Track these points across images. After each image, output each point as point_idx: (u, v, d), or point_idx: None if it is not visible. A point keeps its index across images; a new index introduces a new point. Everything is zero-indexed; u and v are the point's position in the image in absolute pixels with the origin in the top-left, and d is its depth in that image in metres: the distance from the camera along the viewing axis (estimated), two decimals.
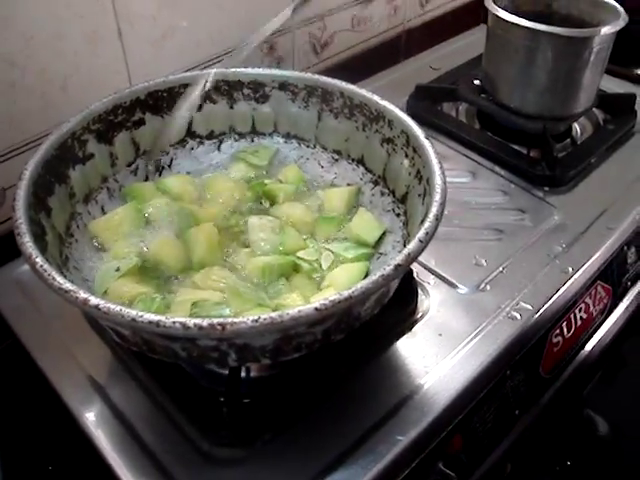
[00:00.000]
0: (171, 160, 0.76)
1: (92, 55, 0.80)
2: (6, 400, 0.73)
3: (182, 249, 0.65)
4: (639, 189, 0.89)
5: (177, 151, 0.76)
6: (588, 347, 0.83)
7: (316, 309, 0.46)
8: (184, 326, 0.45)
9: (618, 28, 0.85)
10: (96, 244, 0.66)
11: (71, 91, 0.80)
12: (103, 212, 0.69)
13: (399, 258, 0.51)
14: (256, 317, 0.45)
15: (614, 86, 1.06)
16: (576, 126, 1.00)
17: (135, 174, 0.73)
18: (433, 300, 0.73)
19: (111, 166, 0.71)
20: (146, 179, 0.74)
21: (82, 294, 0.47)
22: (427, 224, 0.54)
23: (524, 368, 0.73)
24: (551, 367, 0.77)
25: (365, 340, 0.68)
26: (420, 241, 0.52)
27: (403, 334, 0.70)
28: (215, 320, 0.45)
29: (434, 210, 0.55)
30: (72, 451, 0.69)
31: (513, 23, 0.86)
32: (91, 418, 0.62)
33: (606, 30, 0.84)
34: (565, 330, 0.77)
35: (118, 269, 0.62)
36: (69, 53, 0.78)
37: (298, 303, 0.60)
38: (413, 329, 0.70)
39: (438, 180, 0.58)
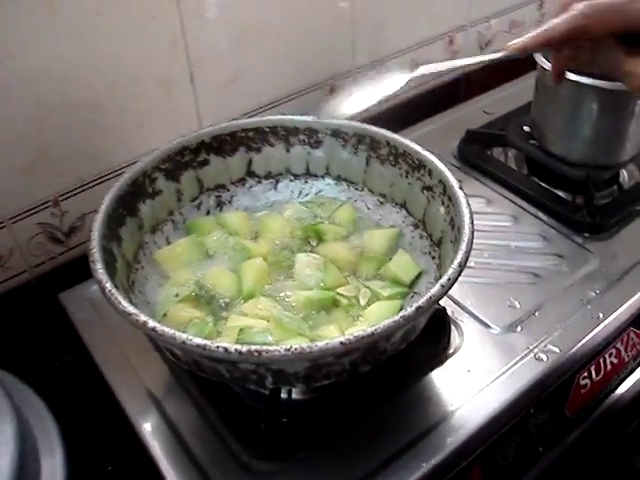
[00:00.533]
0: (231, 197, 0.83)
1: (167, 98, 0.90)
2: (74, 404, 0.81)
3: (234, 279, 0.72)
4: None
5: (237, 189, 0.84)
6: (620, 390, 0.86)
7: (341, 343, 0.53)
8: (226, 350, 0.52)
9: None
10: (159, 271, 0.74)
11: (146, 130, 0.90)
12: (168, 242, 0.77)
13: (421, 301, 0.56)
14: (288, 347, 0.52)
15: None
16: (624, 172, 1.03)
17: (198, 208, 0.81)
18: (466, 338, 0.78)
19: (177, 201, 0.79)
20: (207, 213, 0.82)
21: (142, 317, 0.55)
22: (450, 271, 0.59)
23: (549, 407, 0.77)
24: (578, 408, 0.80)
25: (399, 371, 0.73)
26: (442, 286, 0.58)
27: (435, 368, 0.75)
28: (253, 347, 0.52)
29: (458, 258, 0.61)
30: (128, 456, 0.77)
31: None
32: (148, 429, 0.69)
33: None
34: (594, 373, 0.80)
35: (177, 295, 0.70)
36: (146, 96, 0.88)
37: (334, 335, 0.66)
38: (445, 364, 0.75)
39: (466, 230, 0.64)
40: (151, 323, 0.55)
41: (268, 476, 0.65)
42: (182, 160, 0.78)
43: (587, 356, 0.78)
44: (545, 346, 0.76)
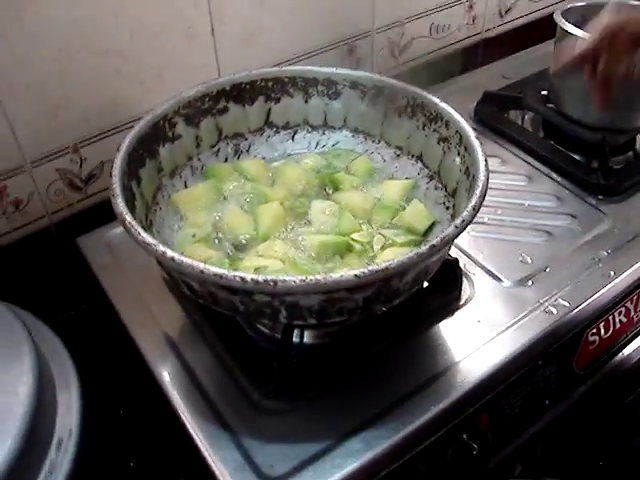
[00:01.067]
0: (249, 146, 0.84)
1: (187, 49, 0.90)
2: (91, 347, 0.83)
3: (251, 222, 0.73)
4: None
5: (255, 138, 0.85)
6: (627, 351, 0.87)
7: (355, 275, 0.54)
8: (242, 279, 0.53)
9: None
10: (177, 214, 0.75)
11: (165, 81, 0.91)
12: (185, 186, 0.79)
13: (435, 240, 0.57)
14: (303, 277, 0.53)
15: None
16: (639, 138, 1.03)
17: (217, 155, 0.82)
18: (477, 290, 0.79)
19: (196, 147, 0.80)
20: (225, 160, 0.83)
21: (161, 247, 0.57)
22: (465, 213, 0.60)
23: (557, 361, 0.78)
24: (585, 364, 0.81)
25: (410, 318, 0.75)
26: (455, 227, 0.59)
27: (445, 317, 0.76)
28: (269, 277, 0.53)
29: (473, 201, 0.61)
30: (142, 395, 0.78)
31: (577, 36, 0.90)
32: (165, 372, 0.71)
33: None
34: (602, 330, 0.81)
35: (194, 235, 0.71)
36: (167, 47, 0.88)
37: None
38: (455, 314, 0.76)
39: (481, 176, 0.64)
40: (169, 253, 0.56)
41: (277, 414, 0.66)
42: (202, 107, 0.79)
43: (597, 312, 0.79)
44: (555, 300, 0.77)
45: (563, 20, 0.93)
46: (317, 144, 0.86)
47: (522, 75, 1.15)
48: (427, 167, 0.79)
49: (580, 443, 0.89)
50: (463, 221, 0.59)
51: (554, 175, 0.95)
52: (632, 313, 0.84)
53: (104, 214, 0.90)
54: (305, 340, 0.74)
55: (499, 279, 0.80)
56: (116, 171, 0.65)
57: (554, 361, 0.78)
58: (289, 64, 1.02)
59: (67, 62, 0.81)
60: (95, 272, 0.83)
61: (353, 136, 0.85)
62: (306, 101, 0.84)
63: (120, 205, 0.61)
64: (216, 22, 0.91)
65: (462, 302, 0.77)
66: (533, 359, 0.75)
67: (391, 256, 0.70)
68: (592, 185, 0.92)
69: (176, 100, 0.76)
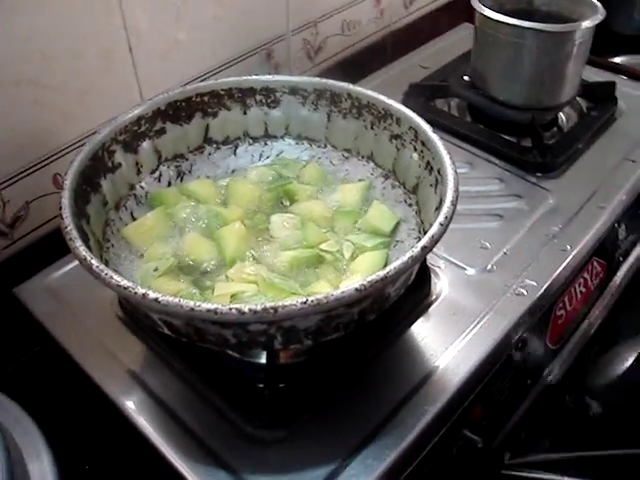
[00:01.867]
0: (191, 166, 0.80)
1: (106, 71, 0.84)
2: (48, 401, 0.76)
3: (213, 247, 0.69)
4: (625, 170, 0.95)
5: (196, 157, 0.80)
6: (589, 319, 0.89)
7: (356, 289, 0.51)
8: (239, 311, 0.50)
9: (597, 22, 0.91)
10: (131, 248, 0.70)
11: (89, 106, 0.84)
12: (133, 217, 0.73)
13: (424, 241, 0.56)
14: (304, 299, 0.50)
15: (593, 75, 1.12)
16: (562, 115, 1.06)
17: (159, 180, 0.77)
18: (444, 283, 0.78)
19: (137, 174, 0.75)
20: (169, 184, 0.78)
21: (140, 289, 0.52)
22: (445, 209, 0.59)
23: (533, 340, 0.79)
24: (557, 339, 0.83)
25: (386, 324, 0.73)
26: (441, 224, 0.58)
27: (420, 316, 0.75)
28: (268, 304, 0.50)
29: (450, 196, 0.60)
30: (119, 442, 0.73)
31: (500, 21, 0.91)
32: (132, 406, 0.66)
33: (587, 24, 0.90)
34: (567, 304, 0.83)
35: (156, 269, 0.66)
36: (85, 70, 0.82)
37: (327, 290, 0.64)
38: (429, 310, 0.75)
39: (450, 170, 0.64)
40: (152, 294, 0.51)
41: (275, 444, 0.63)
42: (139, 130, 0.74)
43: (562, 287, 0.80)
44: (522, 281, 0.78)
45: (481, 5, 0.94)
46: (261, 156, 0.83)
47: (440, 63, 1.16)
48: (380, 166, 0.78)
49: (562, 417, 0.91)
50: (446, 217, 0.58)
51: (492, 158, 0.96)
52: (589, 282, 0.87)
53: (35, 258, 0.84)
54: (281, 361, 0.71)
55: (464, 268, 0.80)
56: (66, 212, 0.60)
57: (530, 340, 0.78)
58: (210, 75, 0.98)
59: None
60: (41, 321, 0.76)
61: (297, 143, 0.83)
62: (244, 112, 0.80)
63: (81, 249, 0.56)
64: (133, 40, 0.86)
65: (433, 297, 0.77)
66: (513, 342, 0.75)
67: (365, 262, 0.68)
68: (530, 164, 0.93)
69: (112, 126, 0.71)
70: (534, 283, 0.77)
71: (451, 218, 0.59)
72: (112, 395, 0.68)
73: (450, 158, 0.65)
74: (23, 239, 0.86)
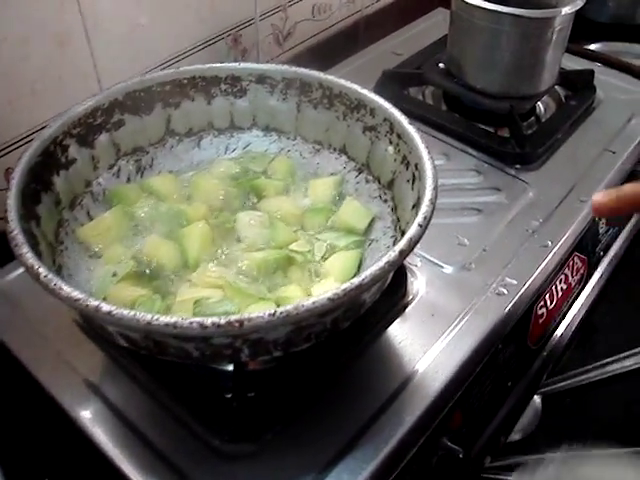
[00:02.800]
0: (152, 160, 0.75)
1: (61, 57, 0.79)
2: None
3: (175, 248, 0.64)
4: (605, 161, 0.92)
5: (157, 150, 0.75)
6: (569, 317, 0.86)
7: (329, 299, 0.47)
8: (201, 325, 0.45)
9: (578, 8, 0.88)
10: (87, 250, 0.65)
11: (41, 96, 0.79)
12: (89, 217, 0.68)
13: (402, 244, 0.52)
14: (272, 311, 0.46)
15: (569, 63, 1.09)
16: (539, 104, 1.03)
17: (117, 176, 0.72)
18: (421, 282, 0.75)
19: (93, 169, 0.70)
20: (128, 180, 0.73)
21: (92, 302, 0.47)
22: (424, 208, 0.55)
23: (514, 341, 0.76)
24: (537, 338, 0.80)
25: (361, 327, 0.69)
26: (420, 226, 0.54)
27: (397, 317, 0.71)
28: (232, 317, 0.46)
29: (429, 195, 0.57)
30: (77, 457, 0.68)
31: (477, 6, 0.87)
32: (89, 418, 0.62)
33: (567, 10, 0.87)
34: (548, 302, 0.80)
35: (115, 274, 0.61)
36: (37, 57, 0.77)
37: (298, 294, 0.61)
38: (406, 312, 0.72)
39: (428, 165, 0.60)
40: (105, 307, 0.47)
41: (246, 458, 0.59)
42: (95, 122, 0.69)
43: (543, 285, 0.77)
44: (503, 280, 0.74)
45: None
46: (226, 148, 0.78)
47: (413, 50, 1.12)
48: (353, 159, 0.74)
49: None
50: (425, 218, 0.54)
51: (469, 149, 0.92)
52: (570, 279, 0.84)
53: None
54: (249, 367, 0.66)
55: (441, 267, 0.76)
56: (12, 214, 0.55)
57: (511, 341, 0.75)
58: (173, 62, 0.93)
59: None
60: None
61: (265, 135, 0.78)
62: (209, 103, 0.75)
63: (28, 256, 0.51)
64: (89, 23, 0.80)
65: (410, 298, 0.73)
66: (494, 344, 0.72)
67: (339, 263, 0.65)
68: (509, 155, 0.90)
69: (65, 119, 0.66)
70: (514, 281, 0.74)
71: (430, 219, 0.55)
72: (68, 406, 0.63)
73: (428, 153, 0.61)
74: None
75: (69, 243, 0.64)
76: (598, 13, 1.40)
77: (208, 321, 0.45)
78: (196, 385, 0.64)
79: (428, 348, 0.68)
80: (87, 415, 0.62)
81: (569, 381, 0.93)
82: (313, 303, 0.47)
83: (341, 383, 0.65)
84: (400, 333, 0.70)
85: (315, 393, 0.64)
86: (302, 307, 0.47)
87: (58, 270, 0.60)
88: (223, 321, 0.45)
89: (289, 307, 0.46)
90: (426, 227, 0.54)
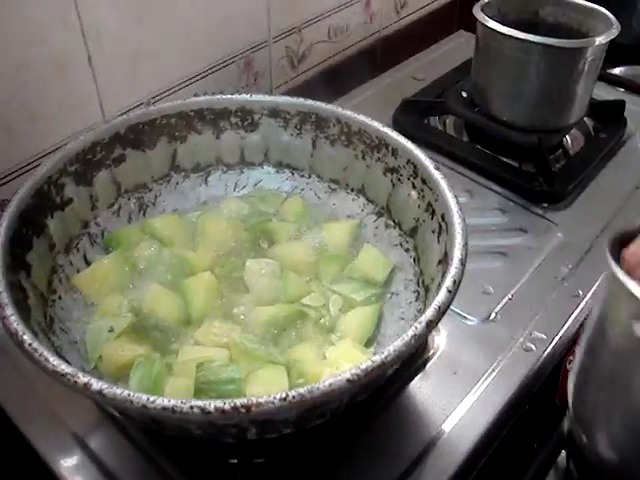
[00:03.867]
0: (155, 197, 0.70)
1: (61, 81, 0.74)
2: None
3: (178, 301, 0.59)
4: (637, 200, 0.86)
5: (161, 187, 0.70)
6: None
7: (348, 381, 0.42)
8: (203, 411, 0.40)
9: (612, 37, 0.82)
10: (82, 299, 0.60)
11: (39, 123, 0.74)
12: (86, 261, 0.63)
13: (429, 314, 0.47)
14: (283, 395, 0.41)
15: (598, 91, 1.04)
16: (567, 137, 0.97)
17: (118, 215, 0.67)
18: (442, 335, 0.69)
19: (91, 209, 0.65)
20: (129, 220, 0.68)
21: (82, 378, 0.42)
22: (454, 271, 0.50)
23: (541, 399, 0.70)
24: (565, 395, 0.74)
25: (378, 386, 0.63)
26: (449, 291, 0.48)
27: (417, 374, 0.66)
28: (238, 402, 0.40)
29: (458, 254, 0.51)
30: None
31: (505, 34, 0.82)
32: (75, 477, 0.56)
33: (601, 40, 0.81)
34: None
35: (112, 329, 0.56)
36: (35, 81, 0.72)
37: (310, 357, 0.56)
38: (426, 368, 0.66)
39: (457, 218, 0.54)
40: (95, 385, 0.41)
41: None
42: (93, 159, 0.64)
43: (573, 338, 0.71)
44: (530, 334, 0.69)
45: (484, 15, 0.85)
46: (236, 185, 0.73)
47: (433, 74, 1.06)
48: (372, 202, 0.68)
49: None
50: (455, 282, 0.49)
51: (493, 186, 0.87)
52: None
53: None
54: None
55: (464, 317, 0.71)
56: None
57: (538, 400, 0.69)
58: (181, 88, 0.88)
59: None
60: None
61: (277, 172, 0.73)
62: (217, 137, 0.71)
63: (12, 319, 0.46)
64: (92, 45, 0.75)
65: (431, 353, 0.67)
66: (521, 405, 0.66)
67: (355, 321, 0.59)
68: (536, 193, 0.84)
69: (60, 155, 0.61)
70: (543, 336, 0.68)
71: (460, 282, 0.50)
72: (53, 463, 0.58)
73: (457, 203, 0.55)
74: None
75: (62, 292, 0.59)
76: (622, 35, 1.35)
77: (211, 406, 0.40)
78: (196, 447, 0.59)
79: (451, 410, 0.62)
80: (74, 474, 0.57)
81: None
82: (330, 385, 0.42)
83: (358, 447, 0.60)
84: (421, 392, 0.64)
85: (330, 458, 0.58)
86: (317, 390, 0.41)
87: (49, 324, 0.55)
88: (228, 406, 0.40)
89: (302, 390, 0.41)
90: (455, 292, 0.49)
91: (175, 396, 0.45)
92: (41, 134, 0.75)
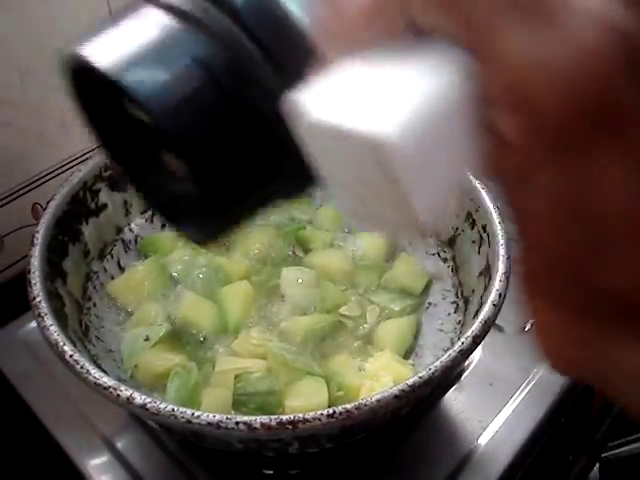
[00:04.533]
0: None
1: None
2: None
3: (215, 309, 0.59)
4: None
5: None
6: None
7: (396, 397, 0.41)
8: (250, 427, 0.39)
9: None
10: (116, 306, 0.60)
11: (70, 129, 0.73)
12: (120, 267, 0.63)
13: (475, 328, 0.46)
14: (331, 411, 0.40)
15: None
16: None
17: (151, 221, 0.67)
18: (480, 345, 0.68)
19: (125, 215, 0.65)
20: (163, 227, 0.67)
21: (124, 391, 0.42)
22: (498, 284, 0.49)
23: (577, 411, 0.69)
24: (600, 406, 0.73)
25: None
26: (494, 305, 0.47)
27: (452, 385, 0.65)
28: (285, 417, 0.40)
29: (502, 267, 0.50)
30: None
31: None
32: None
33: None
34: None
35: (147, 338, 0.55)
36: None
37: (349, 369, 0.55)
38: (462, 379, 0.65)
39: (499, 230, 0.53)
40: (138, 399, 0.41)
41: None
42: None
43: None
44: None
45: None
46: None
47: None
48: None
49: None
50: (500, 295, 0.48)
51: None
52: None
53: (10, 296, 0.73)
54: None
55: (500, 328, 0.69)
56: (36, 276, 0.50)
57: (574, 412, 0.68)
58: None
59: None
60: (12, 382, 0.65)
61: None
62: None
63: (52, 330, 0.46)
64: None
65: (466, 363, 0.66)
66: (558, 417, 0.65)
67: (393, 331, 0.59)
68: None
69: (96, 161, 0.60)
70: None
71: (505, 295, 0.49)
72: (81, 464, 0.57)
73: (500, 215, 0.54)
74: None
75: (97, 298, 0.59)
76: None
77: (257, 422, 0.39)
78: (232, 456, 0.58)
79: (487, 423, 0.61)
80: (99, 470, 0.57)
81: (631, 446, 0.86)
82: (377, 402, 0.41)
83: (393, 460, 0.59)
84: (456, 404, 0.63)
85: (365, 471, 0.57)
86: (364, 406, 0.41)
87: (85, 331, 0.55)
88: (274, 422, 0.39)
89: (350, 407, 0.40)
90: (501, 306, 0.48)
91: (213, 407, 0.45)
92: (71, 139, 0.74)
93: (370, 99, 0.18)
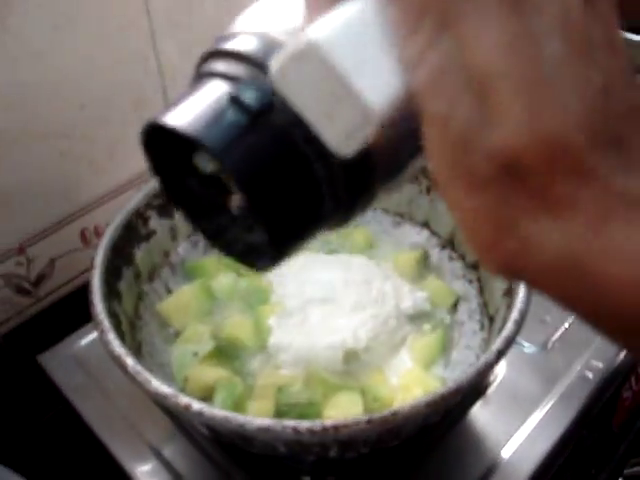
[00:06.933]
0: None
1: (138, 120, 0.79)
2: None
3: (256, 327, 0.63)
4: None
5: None
6: None
7: (427, 405, 0.45)
8: (295, 430, 0.44)
9: None
10: (165, 324, 0.65)
11: (117, 160, 0.79)
12: (167, 289, 0.68)
13: (500, 344, 0.50)
14: (368, 417, 0.44)
15: None
16: None
17: (195, 246, 0.72)
18: (502, 362, 0.71)
19: (172, 240, 0.70)
20: (205, 251, 0.72)
21: (183, 399, 0.46)
22: (519, 304, 0.53)
23: (598, 426, 0.72)
24: (621, 422, 0.76)
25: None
26: (516, 323, 0.51)
27: (477, 400, 0.68)
28: (328, 423, 0.44)
29: (523, 288, 0.54)
30: None
31: None
32: None
33: None
34: (633, 383, 0.76)
35: (196, 354, 0.60)
36: (116, 120, 0.77)
37: (382, 383, 0.59)
38: (487, 394, 0.69)
39: None
40: (196, 405, 0.46)
41: None
42: None
43: (628, 366, 0.73)
44: (587, 362, 0.71)
45: None
46: None
47: None
48: (436, 234, 0.72)
49: None
50: (521, 313, 0.52)
51: None
52: None
53: (60, 317, 0.79)
54: None
55: (522, 345, 0.73)
56: (97, 297, 0.54)
57: (596, 427, 0.72)
58: None
59: (2, 151, 0.69)
60: (68, 397, 0.70)
61: None
62: None
63: (115, 344, 0.50)
64: (168, 83, 0.80)
65: (492, 379, 0.70)
66: (580, 431, 0.68)
67: (422, 347, 0.63)
68: None
69: (147, 190, 0.66)
70: (600, 364, 0.70)
71: (527, 312, 0.53)
72: (130, 470, 0.62)
73: None
74: (47, 298, 0.80)
75: (148, 317, 0.64)
76: None
77: (302, 427, 0.44)
78: (272, 464, 0.62)
79: (511, 435, 0.65)
80: (147, 476, 0.61)
81: None
82: (411, 409, 0.45)
83: (420, 470, 0.62)
84: (482, 417, 0.67)
85: (395, 478, 0.61)
86: (399, 413, 0.45)
87: (138, 348, 0.60)
88: (319, 427, 0.44)
89: (386, 413, 0.45)
90: (522, 324, 0.52)
91: (258, 417, 0.49)
92: (118, 169, 0.79)
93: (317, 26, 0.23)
